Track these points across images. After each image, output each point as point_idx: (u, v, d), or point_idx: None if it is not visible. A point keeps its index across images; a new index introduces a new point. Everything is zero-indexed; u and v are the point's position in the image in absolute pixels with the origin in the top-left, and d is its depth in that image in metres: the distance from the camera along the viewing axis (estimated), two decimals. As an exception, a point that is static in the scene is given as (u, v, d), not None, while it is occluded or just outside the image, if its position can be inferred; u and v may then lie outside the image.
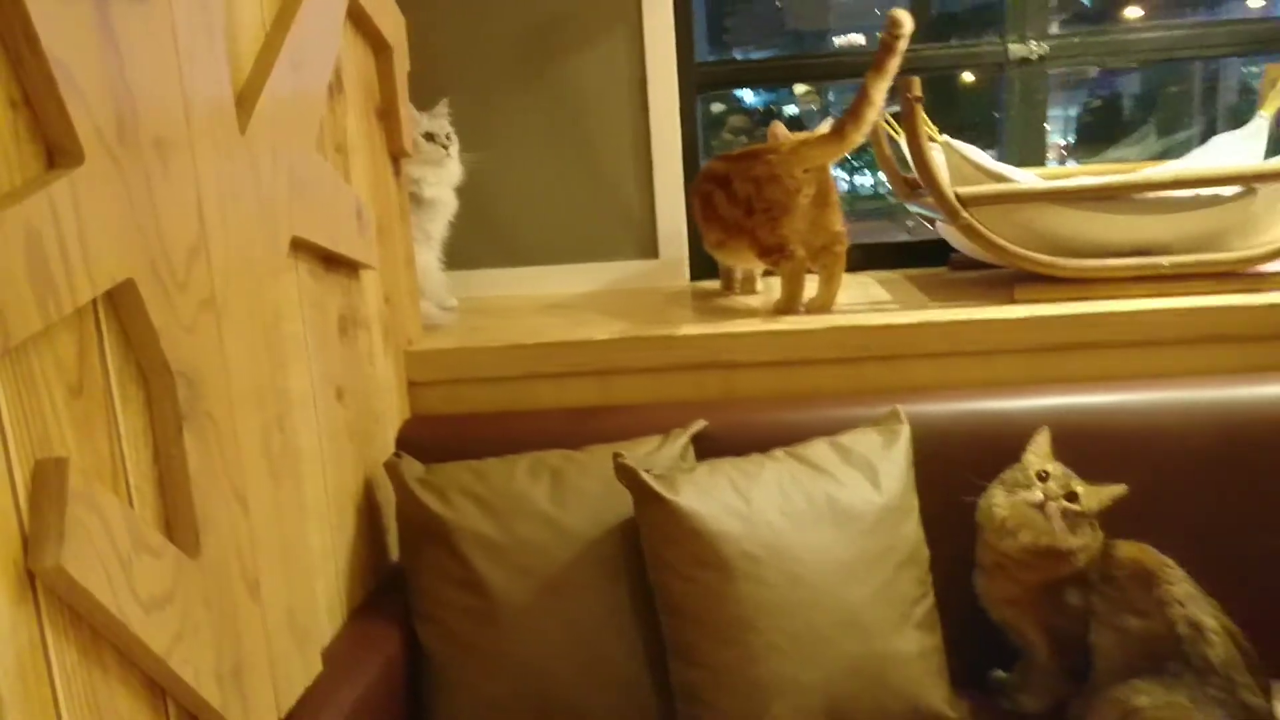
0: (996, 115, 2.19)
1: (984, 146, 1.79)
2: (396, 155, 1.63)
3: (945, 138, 1.70)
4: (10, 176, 0.76)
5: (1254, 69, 2.69)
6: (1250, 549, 1.44)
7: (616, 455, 1.31)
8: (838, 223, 1.66)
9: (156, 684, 0.93)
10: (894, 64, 1.51)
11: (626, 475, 1.29)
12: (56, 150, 0.81)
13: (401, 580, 1.43)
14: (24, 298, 0.74)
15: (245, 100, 1.09)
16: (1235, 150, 1.80)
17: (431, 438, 1.58)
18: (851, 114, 1.54)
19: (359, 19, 1.46)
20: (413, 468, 1.43)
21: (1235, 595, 1.31)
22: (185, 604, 0.93)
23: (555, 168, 2.14)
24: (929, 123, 1.66)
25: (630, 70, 2.08)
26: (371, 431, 1.49)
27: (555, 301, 2.05)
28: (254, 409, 1.08)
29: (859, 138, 1.56)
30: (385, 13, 1.56)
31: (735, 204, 1.66)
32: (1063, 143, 4.37)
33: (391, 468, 1.42)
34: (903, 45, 1.50)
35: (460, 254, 1.97)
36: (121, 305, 0.87)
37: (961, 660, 1.37)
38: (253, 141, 1.09)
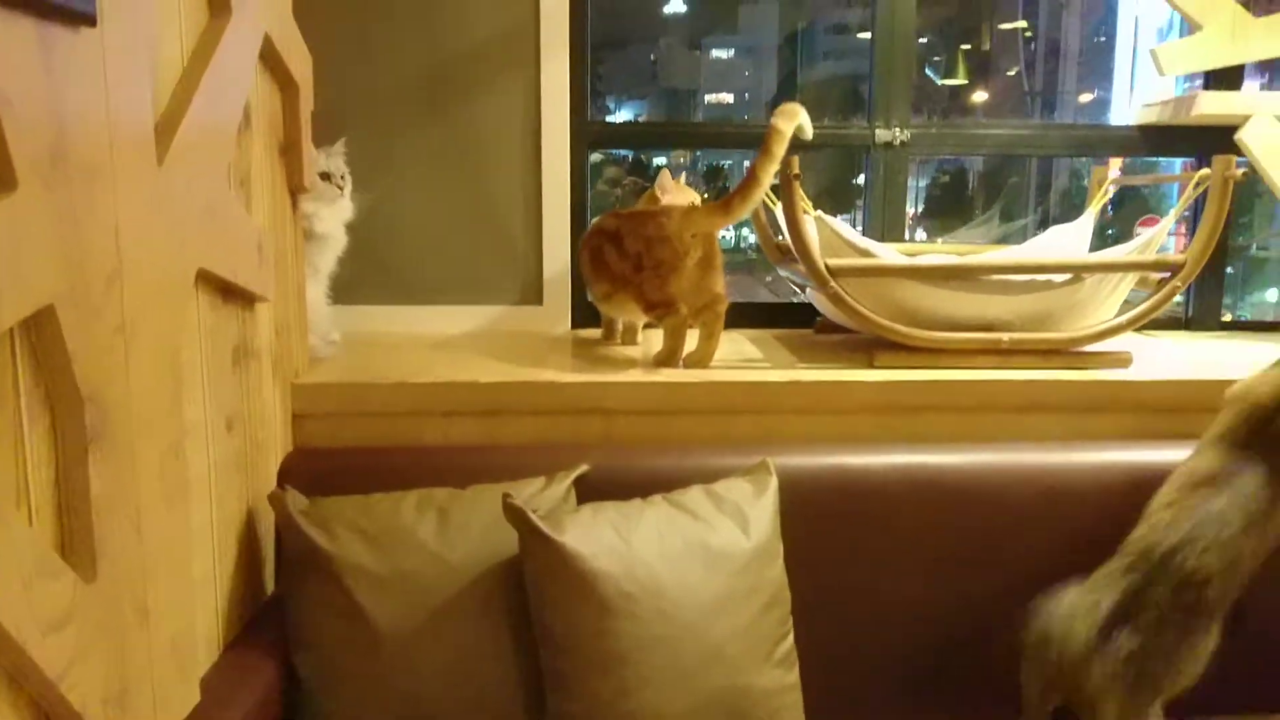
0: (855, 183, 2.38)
1: (837, 211, 1.95)
2: (295, 191, 1.65)
3: (818, 213, 1.85)
4: (-56, 198, 0.77)
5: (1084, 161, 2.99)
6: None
7: (506, 496, 1.37)
8: (719, 285, 1.77)
9: (40, 708, 0.93)
10: (781, 150, 1.64)
11: (515, 515, 1.35)
12: (-11, 175, 0.82)
13: (278, 612, 1.44)
14: (-45, 318, 0.75)
15: (163, 132, 1.12)
16: (1065, 242, 2.02)
17: (314, 471, 1.59)
18: (740, 191, 1.67)
19: (269, 56, 1.49)
20: (297, 500, 1.44)
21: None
22: (80, 627, 0.93)
23: (446, 210, 2.19)
24: (804, 197, 1.80)
25: (526, 122, 2.16)
26: (256, 463, 1.50)
27: (439, 341, 2.09)
28: (154, 436, 1.09)
29: (744, 212, 1.70)
30: (294, 51, 1.59)
31: (625, 259, 1.75)
32: (912, 211, 4.67)
33: (276, 500, 1.43)
34: (788, 133, 1.64)
35: (344, 289, 1.99)
36: (39, 330, 0.89)
37: (816, 699, 1.47)
38: (169, 173, 1.12)
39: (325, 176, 1.77)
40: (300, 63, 1.62)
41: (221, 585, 1.37)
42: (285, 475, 1.58)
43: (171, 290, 1.13)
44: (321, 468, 1.60)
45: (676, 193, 1.92)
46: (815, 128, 1.75)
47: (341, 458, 1.64)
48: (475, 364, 1.83)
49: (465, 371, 1.75)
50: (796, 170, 1.70)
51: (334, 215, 1.84)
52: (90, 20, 0.93)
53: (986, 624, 1.59)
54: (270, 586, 1.56)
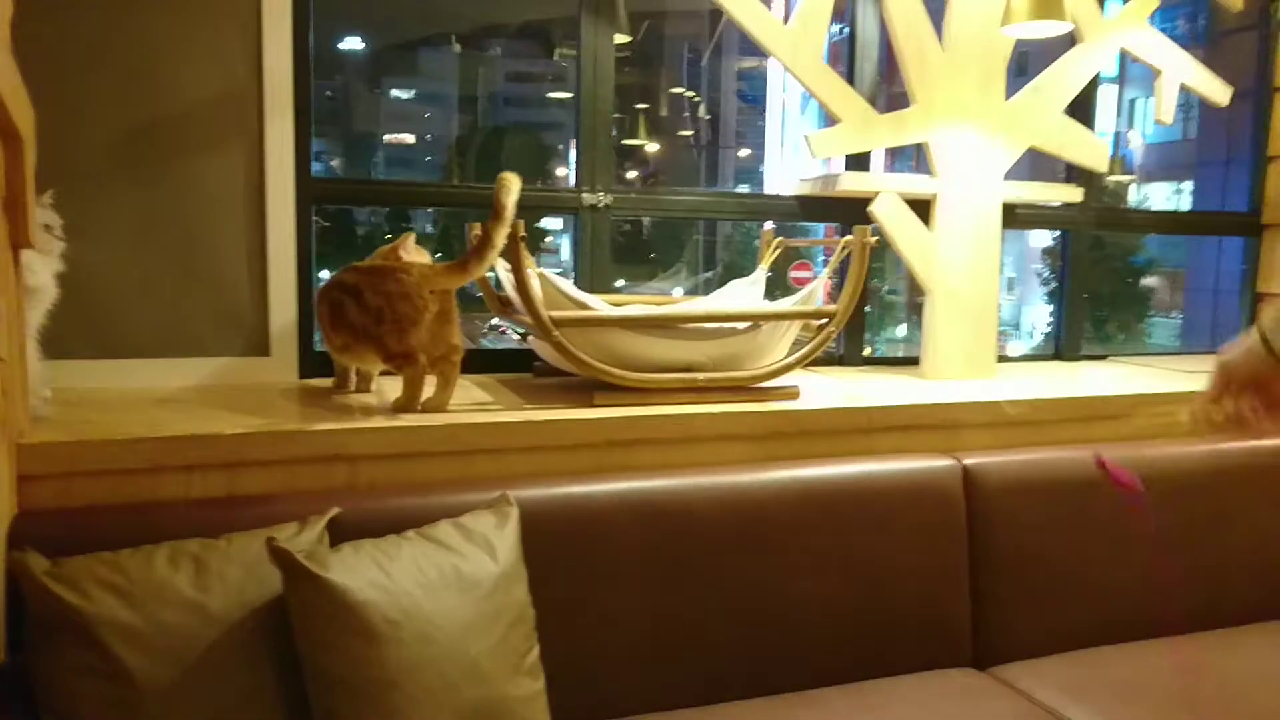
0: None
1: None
2: (19, 246, 1.61)
3: (541, 269, 2.06)
4: None
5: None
6: (765, 598, 1.92)
7: (270, 539, 1.44)
8: (456, 336, 1.93)
9: None
10: (510, 214, 1.84)
11: (279, 556, 1.42)
12: None
13: (16, 682, 1.40)
14: None
15: (-82, 197, 1.12)
16: (744, 294, 2.39)
17: (47, 534, 1.54)
18: (475, 252, 1.85)
19: (-4, 112, 1.48)
20: (39, 562, 1.42)
21: (762, 637, 1.78)
22: None
23: (160, 264, 2.16)
24: (527, 254, 2.01)
25: (248, 179, 2.19)
26: (-14, 527, 1.45)
27: (160, 395, 2.06)
28: (-87, 502, 1.08)
29: (480, 272, 1.89)
30: (19, 104, 1.57)
31: (366, 313, 1.86)
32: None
33: (16, 562, 1.40)
34: (514, 200, 1.84)
35: (48, 343, 1.92)
36: None
37: (559, 701, 1.66)
38: (-77, 237, 1.11)
39: (46, 228, 1.73)
40: (23, 117, 1.59)
41: (-41, 655, 1.33)
42: (15, 539, 1.53)
43: (-74, 354, 1.13)
44: (55, 530, 1.56)
45: (414, 254, 2.05)
46: (529, 190, 1.97)
47: (75, 518, 1.61)
48: (209, 416, 1.85)
49: (202, 424, 1.77)
50: (523, 232, 1.91)
51: (46, 267, 1.80)
52: None
53: (695, 621, 1.87)
54: (2, 656, 1.50)
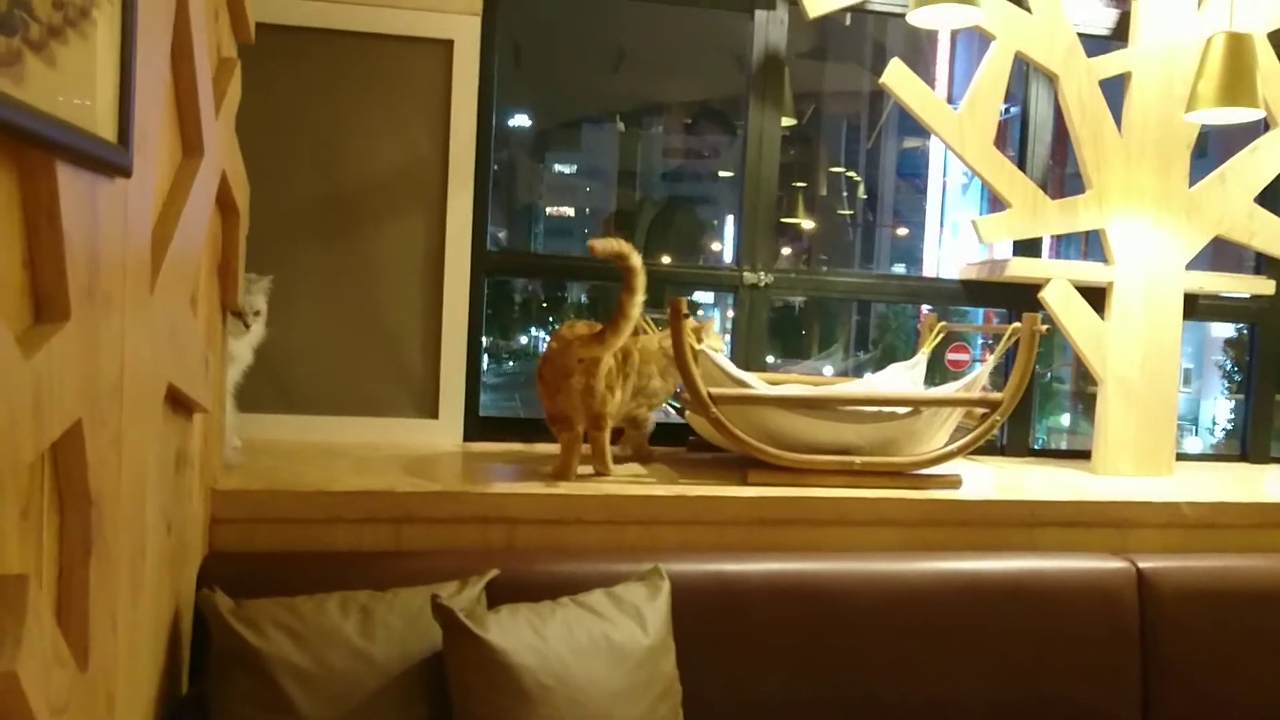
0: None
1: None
2: (227, 308, 1.77)
3: (701, 347, 2.09)
4: (12, 326, 0.89)
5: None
6: (915, 690, 1.85)
7: (435, 596, 1.50)
8: (601, 407, 1.97)
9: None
10: (640, 284, 1.89)
11: (443, 614, 1.48)
12: (45, 304, 0.94)
13: (198, 711, 1.50)
14: (25, 431, 0.87)
15: (155, 263, 1.24)
16: (903, 378, 2.35)
17: (232, 574, 1.66)
18: (611, 325, 1.91)
19: (221, 188, 1.63)
20: (225, 601, 1.52)
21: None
22: (73, 714, 1.01)
23: (343, 326, 2.32)
24: (691, 333, 2.05)
25: (429, 247, 2.34)
26: (182, 565, 1.57)
27: (337, 449, 2.19)
28: (129, 538, 1.19)
29: (617, 343, 1.93)
30: (238, 179, 1.73)
31: (540, 379, 1.96)
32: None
33: (206, 600, 1.51)
34: (638, 266, 1.89)
35: (239, 396, 2.07)
36: (68, 440, 0.99)
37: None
38: (156, 298, 1.24)
39: (255, 314, 1.88)
40: (241, 192, 1.76)
41: (153, 684, 1.43)
42: (204, 578, 1.65)
43: (150, 404, 1.25)
44: (238, 571, 1.68)
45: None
46: (689, 268, 2.02)
47: (256, 561, 1.73)
48: (382, 472, 1.95)
49: (375, 480, 1.87)
50: (685, 310, 1.95)
51: (246, 342, 1.95)
52: (126, 173, 1.07)
53: (841, 709, 1.82)
54: (184, 687, 1.61)
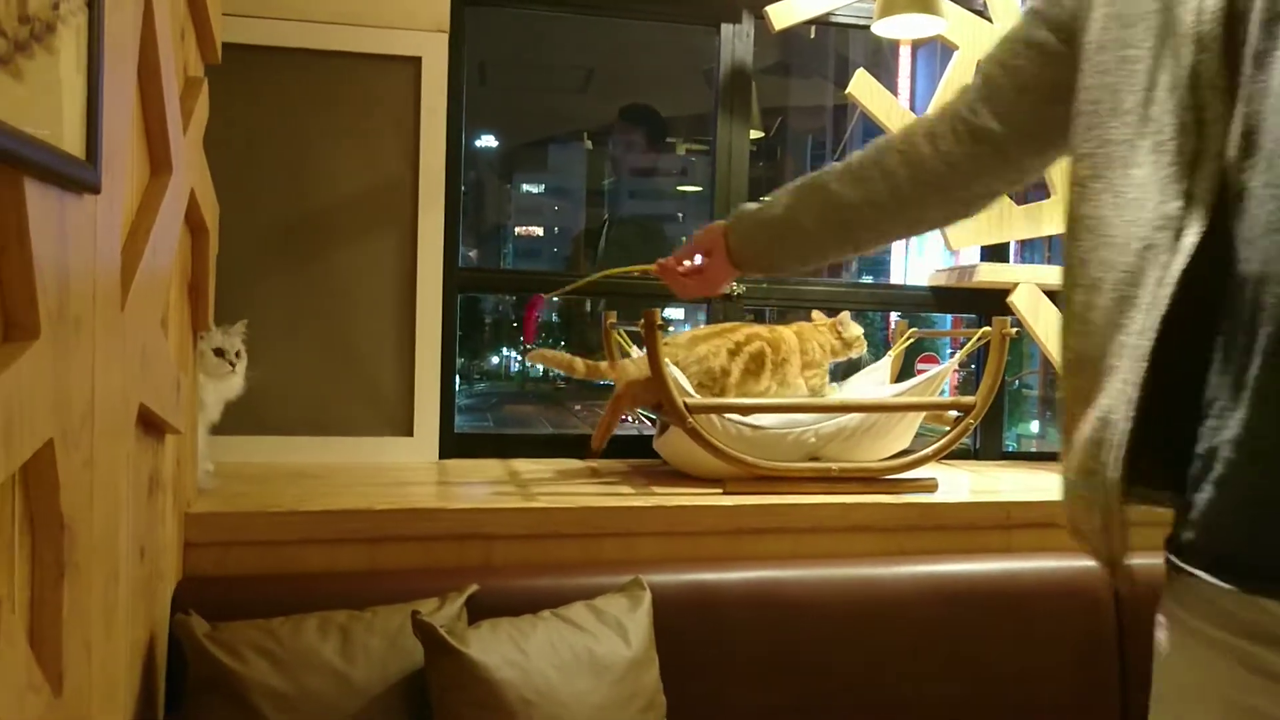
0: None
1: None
2: (198, 329, 1.75)
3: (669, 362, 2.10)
4: (-24, 347, 0.88)
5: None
6: (894, 695, 1.86)
7: (415, 613, 1.49)
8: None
9: (-1, 825, 0.97)
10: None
11: (424, 630, 1.47)
12: (13, 325, 0.93)
13: (172, 738, 1.47)
14: (-4, 453, 0.85)
15: (125, 282, 1.23)
16: (871, 378, 2.37)
17: (207, 599, 1.64)
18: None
19: (190, 206, 1.62)
20: (201, 625, 1.50)
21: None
22: (49, 742, 0.99)
23: (316, 346, 2.30)
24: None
25: (401, 267, 2.33)
26: (155, 590, 1.54)
27: (311, 470, 2.17)
28: (102, 563, 1.16)
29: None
30: (207, 199, 1.72)
31: None
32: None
33: (181, 625, 1.49)
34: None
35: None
36: (38, 462, 0.98)
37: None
38: (126, 318, 1.23)
39: (219, 353, 1.86)
40: (211, 211, 1.74)
41: (127, 711, 1.41)
42: (179, 603, 1.62)
43: (122, 425, 1.23)
44: (214, 595, 1.66)
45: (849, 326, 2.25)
46: (659, 283, 2.02)
47: (232, 585, 1.70)
48: (358, 492, 1.93)
49: (352, 500, 1.85)
50: (660, 321, 1.95)
51: (218, 392, 1.92)
52: (95, 189, 1.06)
53: (826, 715, 1.82)
54: (161, 713, 1.58)
